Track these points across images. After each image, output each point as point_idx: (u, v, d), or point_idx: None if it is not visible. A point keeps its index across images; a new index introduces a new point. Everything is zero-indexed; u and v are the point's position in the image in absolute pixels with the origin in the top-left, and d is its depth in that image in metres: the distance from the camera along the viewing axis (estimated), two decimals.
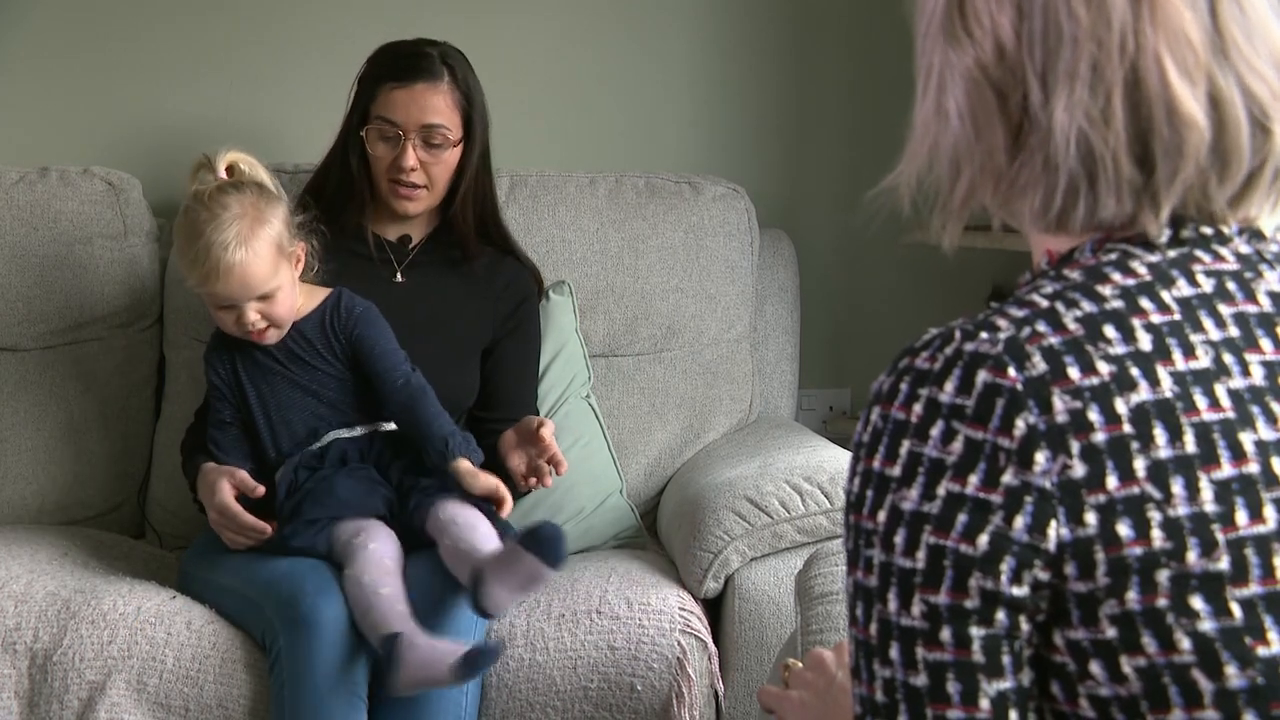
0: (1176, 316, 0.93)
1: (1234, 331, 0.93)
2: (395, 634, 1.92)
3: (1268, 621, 0.87)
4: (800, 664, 1.35)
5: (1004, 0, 0.97)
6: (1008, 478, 0.89)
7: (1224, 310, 0.94)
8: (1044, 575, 0.89)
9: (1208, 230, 0.97)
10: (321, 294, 2.26)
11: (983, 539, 0.89)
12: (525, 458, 2.27)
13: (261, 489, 2.15)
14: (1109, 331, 0.91)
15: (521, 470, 2.27)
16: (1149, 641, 0.87)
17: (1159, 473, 0.88)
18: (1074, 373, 0.90)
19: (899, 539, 0.91)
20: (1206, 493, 0.88)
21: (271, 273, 2.14)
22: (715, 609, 2.25)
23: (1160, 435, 0.89)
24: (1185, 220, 0.97)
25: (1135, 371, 0.90)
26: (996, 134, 0.98)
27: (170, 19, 2.90)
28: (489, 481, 2.13)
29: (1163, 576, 0.87)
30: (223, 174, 2.18)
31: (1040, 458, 0.88)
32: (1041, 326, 0.92)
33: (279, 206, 2.17)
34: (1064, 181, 0.96)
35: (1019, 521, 0.88)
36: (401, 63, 2.37)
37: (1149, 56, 0.93)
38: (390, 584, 2.01)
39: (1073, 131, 0.94)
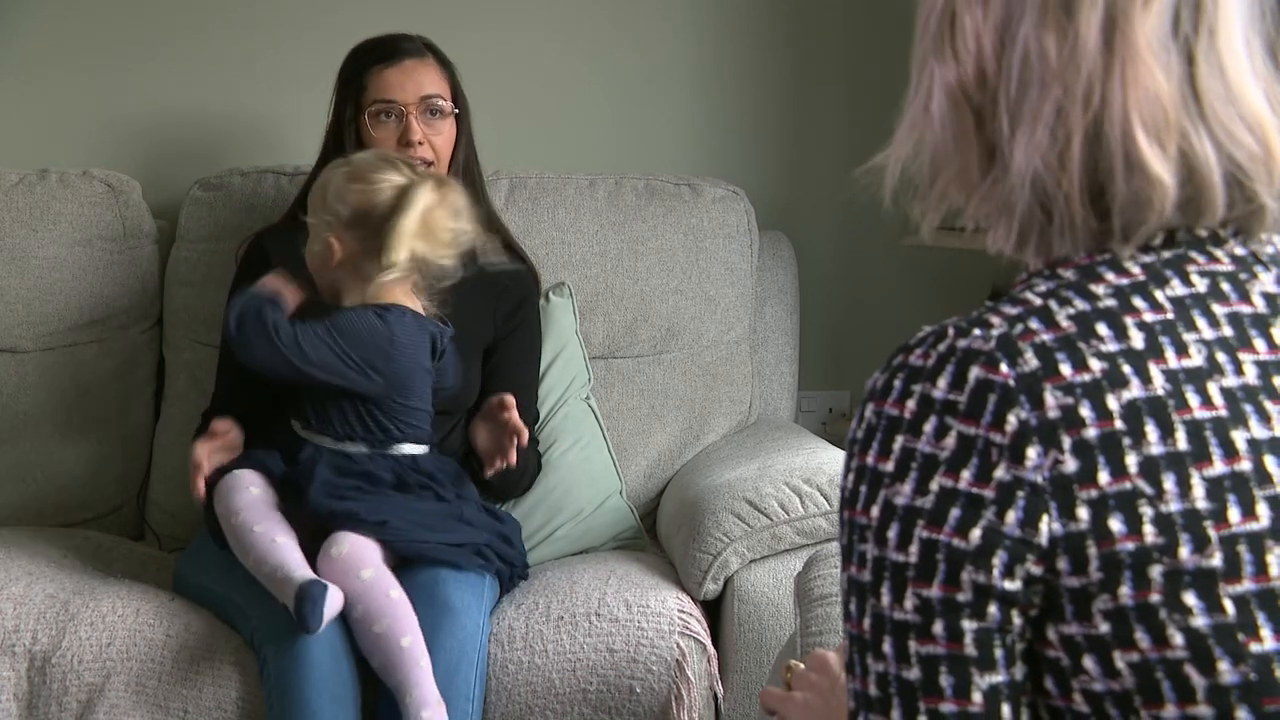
0: (1170, 315, 0.93)
1: (1227, 331, 0.93)
2: (315, 580, 1.97)
3: (1260, 618, 0.87)
4: (802, 665, 1.35)
5: (990, 25, 0.97)
6: (1000, 473, 0.89)
7: (1218, 310, 0.94)
8: (1036, 570, 0.89)
9: (1202, 232, 0.97)
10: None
11: (975, 533, 0.89)
12: (488, 433, 2.26)
13: (234, 434, 2.20)
14: (1101, 329, 0.92)
15: (486, 447, 2.26)
16: (1142, 637, 0.87)
17: (1151, 469, 0.88)
18: (1066, 369, 0.90)
19: (892, 534, 0.91)
20: (1198, 489, 0.88)
21: (312, 207, 2.22)
22: (714, 611, 2.25)
23: (1152, 432, 0.89)
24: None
25: (1127, 369, 0.90)
26: (971, 152, 0.99)
27: (170, 21, 2.90)
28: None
29: (1155, 572, 0.87)
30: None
31: (1032, 453, 0.89)
32: (1034, 323, 0.92)
33: (350, 190, 2.15)
34: (1019, 220, 0.97)
35: (1011, 516, 0.88)
36: (385, 47, 2.42)
37: (1115, 110, 0.93)
38: (281, 532, 2.05)
39: (1029, 173, 0.95)
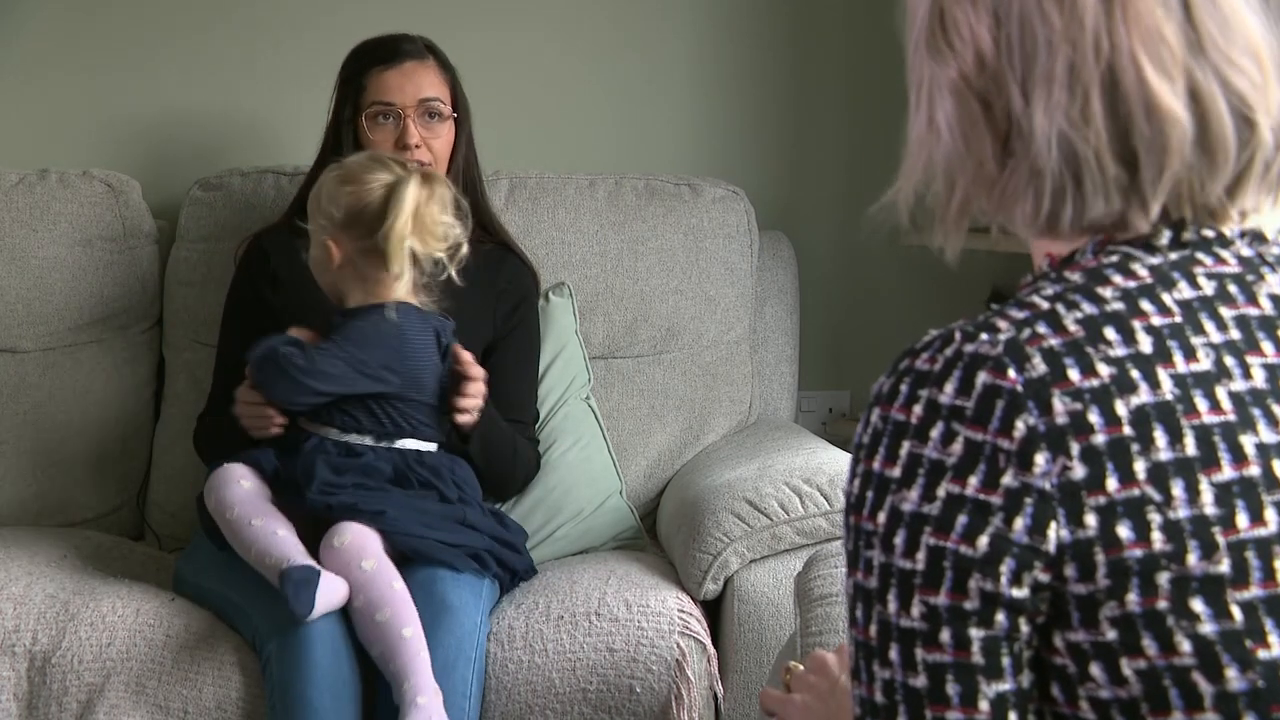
0: (1177, 319, 0.93)
1: (1235, 334, 0.93)
2: (305, 564, 1.99)
3: (1268, 624, 0.87)
4: (801, 666, 1.35)
5: (981, 9, 0.97)
6: (1007, 479, 0.89)
7: (1225, 313, 0.94)
8: (1044, 577, 0.89)
9: (1209, 233, 0.97)
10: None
11: (982, 540, 0.89)
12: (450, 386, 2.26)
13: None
14: (1109, 333, 0.91)
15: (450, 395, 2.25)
16: (1149, 644, 0.87)
17: (1159, 475, 0.88)
18: (1074, 374, 0.90)
19: (899, 540, 0.91)
20: (1207, 495, 0.88)
21: (309, 213, 2.22)
22: (714, 611, 2.25)
23: (1160, 437, 0.88)
24: (1186, 223, 0.97)
25: (1135, 374, 0.90)
26: (985, 143, 0.98)
27: (170, 21, 2.90)
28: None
29: (1163, 579, 0.87)
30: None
31: (1040, 459, 0.88)
32: (1042, 328, 0.92)
33: (339, 192, 2.16)
34: (1050, 185, 0.96)
35: (1019, 523, 0.88)
36: (386, 48, 2.42)
37: (1124, 56, 0.93)
38: (280, 525, 2.07)
39: (1054, 134, 0.94)
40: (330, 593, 1.97)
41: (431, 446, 2.23)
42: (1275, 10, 0.96)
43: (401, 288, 2.19)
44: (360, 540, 2.04)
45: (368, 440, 2.18)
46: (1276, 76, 0.94)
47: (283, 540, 2.04)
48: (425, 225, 2.16)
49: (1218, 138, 0.94)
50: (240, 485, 2.12)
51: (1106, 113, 0.94)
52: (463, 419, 2.23)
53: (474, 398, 2.22)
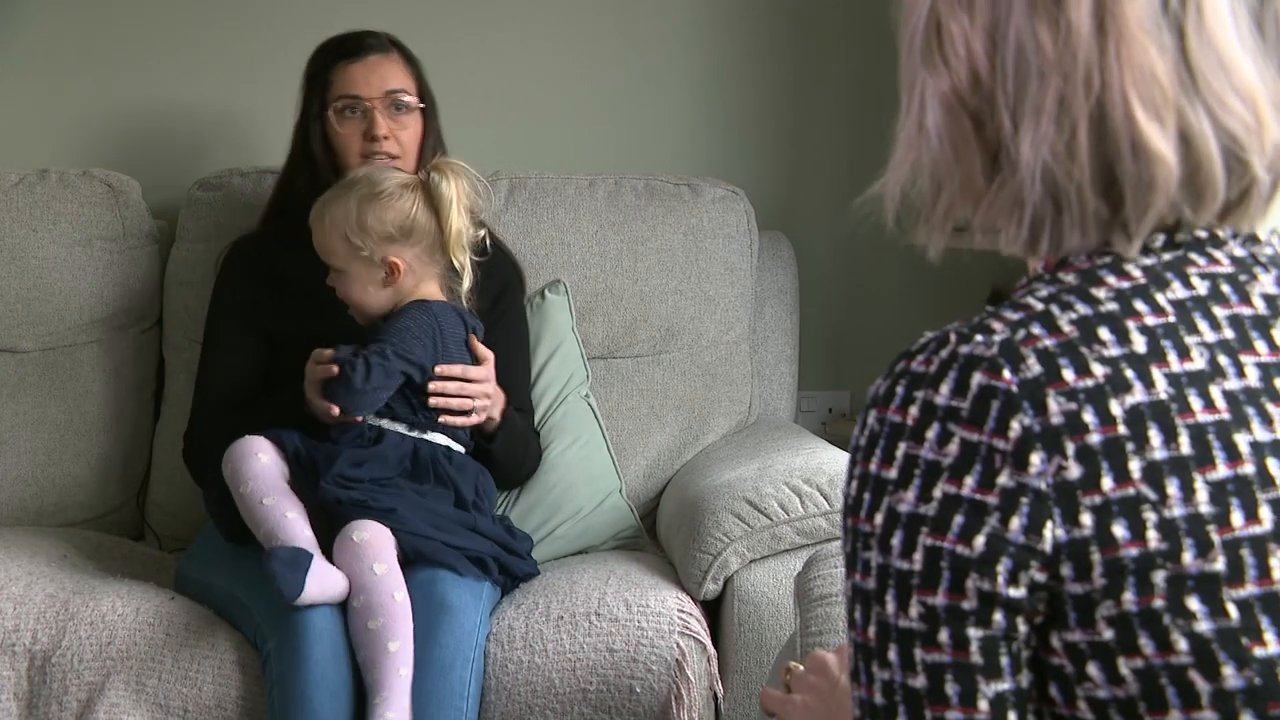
0: (1171, 319, 0.93)
1: (1229, 333, 0.93)
2: (299, 548, 2.00)
3: (1264, 622, 0.87)
4: (801, 666, 1.35)
5: (978, 29, 0.97)
6: (1003, 479, 0.89)
7: (1219, 312, 0.94)
8: (1040, 577, 0.89)
9: (1202, 234, 0.97)
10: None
11: (979, 540, 0.89)
12: None
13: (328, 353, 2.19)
14: (1103, 334, 0.92)
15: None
16: (1146, 643, 0.87)
17: (1154, 474, 0.88)
18: (1069, 375, 0.90)
19: (896, 541, 0.91)
20: (1202, 494, 0.88)
21: (334, 251, 2.21)
22: (714, 611, 2.25)
23: (1155, 437, 0.89)
24: (1179, 226, 0.97)
25: (1130, 373, 0.90)
26: (974, 158, 0.98)
27: (170, 21, 2.91)
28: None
29: (1159, 578, 0.87)
30: (422, 172, 2.26)
31: (1035, 459, 0.89)
32: (1036, 329, 0.92)
33: (382, 210, 2.18)
34: (1030, 213, 0.96)
35: (1015, 523, 0.88)
36: (350, 43, 2.43)
37: (1115, 93, 0.93)
38: (291, 507, 2.08)
39: (1038, 166, 0.94)
40: (326, 581, 1.98)
41: (461, 449, 2.25)
42: (1274, 50, 0.96)
43: (427, 286, 2.24)
44: (378, 541, 2.04)
45: (400, 428, 2.20)
46: (1272, 117, 0.94)
47: (291, 523, 2.05)
48: (470, 211, 2.23)
49: (1207, 178, 0.94)
50: (258, 459, 2.12)
51: (1093, 148, 0.93)
52: (452, 420, 2.23)
53: (457, 396, 2.22)
